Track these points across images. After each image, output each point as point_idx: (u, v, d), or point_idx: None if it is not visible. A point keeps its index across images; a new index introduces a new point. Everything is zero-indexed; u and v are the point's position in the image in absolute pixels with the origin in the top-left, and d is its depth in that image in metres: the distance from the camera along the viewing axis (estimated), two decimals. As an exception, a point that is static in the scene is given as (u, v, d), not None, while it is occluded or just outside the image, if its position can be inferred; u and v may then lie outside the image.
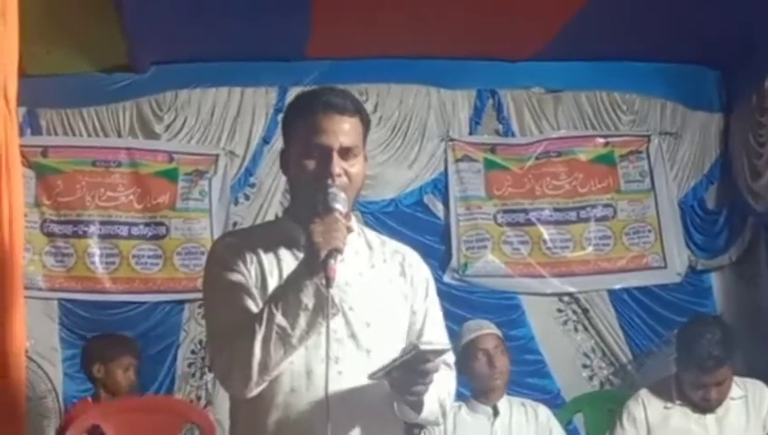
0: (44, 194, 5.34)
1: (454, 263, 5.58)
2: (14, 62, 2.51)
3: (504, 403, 4.11)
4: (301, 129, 2.30)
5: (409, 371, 2.12)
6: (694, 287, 5.74)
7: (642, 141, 5.84)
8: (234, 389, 2.24)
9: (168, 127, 5.51)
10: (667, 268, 5.71)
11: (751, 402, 3.88)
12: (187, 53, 5.46)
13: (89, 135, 5.44)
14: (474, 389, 4.16)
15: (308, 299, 2.10)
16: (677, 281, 5.69)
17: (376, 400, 2.23)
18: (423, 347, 2.08)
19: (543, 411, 4.16)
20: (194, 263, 5.35)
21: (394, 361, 2.12)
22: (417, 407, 2.24)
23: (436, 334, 2.40)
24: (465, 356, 4.07)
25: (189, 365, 5.35)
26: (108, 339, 4.85)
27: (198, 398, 5.30)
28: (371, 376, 2.18)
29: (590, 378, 5.61)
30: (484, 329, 4.20)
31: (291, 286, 2.14)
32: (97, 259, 5.32)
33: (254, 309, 2.20)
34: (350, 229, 2.25)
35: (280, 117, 5.28)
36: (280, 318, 2.10)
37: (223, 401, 4.81)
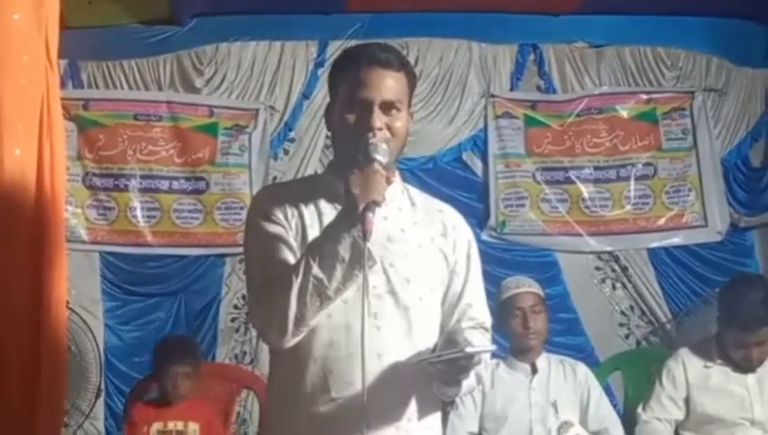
0: (86, 147, 5.37)
1: (492, 221, 5.56)
2: (55, 14, 2.51)
3: (542, 361, 4.07)
4: (344, 83, 2.29)
5: (454, 366, 2.12)
6: (735, 246, 5.70)
7: (686, 98, 5.77)
8: (270, 339, 2.26)
9: (208, 81, 5.52)
10: (707, 227, 5.67)
11: (792, 362, 3.85)
12: (227, 6, 5.46)
13: (129, 88, 5.46)
14: (511, 347, 4.13)
15: (345, 251, 2.10)
16: (718, 239, 5.66)
17: (413, 358, 2.22)
18: (471, 350, 2.07)
19: (582, 369, 4.11)
20: (234, 217, 5.38)
21: (439, 356, 2.12)
22: (457, 390, 2.25)
23: (475, 300, 2.41)
24: (502, 314, 4.03)
25: (233, 320, 5.38)
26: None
27: (244, 353, 5.34)
28: (413, 361, 2.19)
29: (627, 336, 5.59)
30: (522, 287, 4.13)
31: (328, 238, 2.14)
32: (138, 213, 5.36)
33: (293, 261, 2.20)
34: (389, 181, 2.25)
35: (320, 71, 5.37)
36: (317, 270, 2.11)
37: (268, 356, 4.83)
